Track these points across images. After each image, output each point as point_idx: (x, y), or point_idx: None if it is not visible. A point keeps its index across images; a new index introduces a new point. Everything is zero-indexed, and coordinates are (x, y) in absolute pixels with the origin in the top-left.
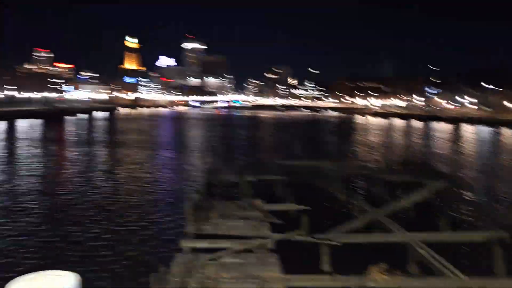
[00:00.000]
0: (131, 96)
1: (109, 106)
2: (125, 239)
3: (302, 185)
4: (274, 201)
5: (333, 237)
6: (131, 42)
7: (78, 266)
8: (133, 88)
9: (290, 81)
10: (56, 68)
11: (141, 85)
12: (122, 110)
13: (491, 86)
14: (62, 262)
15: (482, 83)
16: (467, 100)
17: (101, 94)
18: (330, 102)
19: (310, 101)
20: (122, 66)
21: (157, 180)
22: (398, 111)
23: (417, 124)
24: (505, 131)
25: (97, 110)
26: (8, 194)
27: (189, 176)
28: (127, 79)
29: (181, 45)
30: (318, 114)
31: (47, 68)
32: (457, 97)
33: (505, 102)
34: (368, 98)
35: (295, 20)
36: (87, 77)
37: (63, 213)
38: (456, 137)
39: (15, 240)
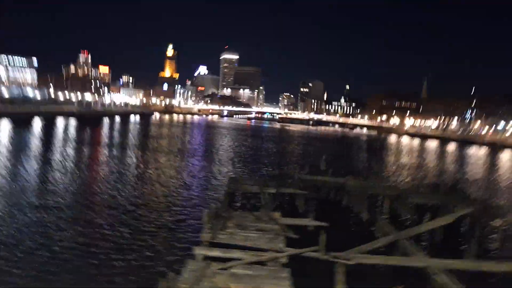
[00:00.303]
0: (167, 102)
1: (146, 111)
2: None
3: (324, 201)
4: (293, 215)
5: (349, 257)
6: (170, 50)
7: None
8: (169, 95)
9: (323, 95)
10: (98, 71)
11: (177, 93)
12: (157, 116)
13: None
14: None
15: None
16: (508, 126)
17: (138, 99)
18: (363, 119)
19: (343, 117)
20: (161, 73)
21: (183, 186)
22: (434, 133)
23: (453, 147)
24: None
25: (134, 114)
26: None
27: (212, 184)
28: (165, 86)
29: (219, 57)
30: (349, 130)
31: (89, 70)
32: (499, 123)
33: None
34: (402, 118)
35: (334, 35)
36: (126, 81)
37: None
38: (491, 163)
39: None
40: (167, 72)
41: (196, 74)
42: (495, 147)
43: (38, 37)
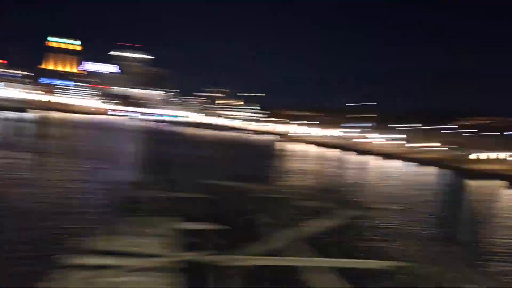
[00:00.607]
0: (51, 98)
1: (23, 106)
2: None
3: (226, 205)
4: (192, 219)
5: (240, 259)
6: (58, 42)
7: None
8: (55, 90)
9: (232, 101)
10: None
11: (63, 88)
12: (36, 113)
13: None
14: None
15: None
16: (398, 136)
17: (22, 93)
18: (269, 126)
19: (250, 123)
20: (42, 66)
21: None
22: (331, 140)
23: (349, 155)
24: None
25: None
26: None
27: (107, 189)
28: (49, 81)
29: (119, 54)
30: (253, 136)
31: None
32: (392, 133)
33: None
34: (303, 126)
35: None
36: (18, 75)
37: None
38: (378, 170)
39: None
40: (60, 67)
41: (91, 69)
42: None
43: None
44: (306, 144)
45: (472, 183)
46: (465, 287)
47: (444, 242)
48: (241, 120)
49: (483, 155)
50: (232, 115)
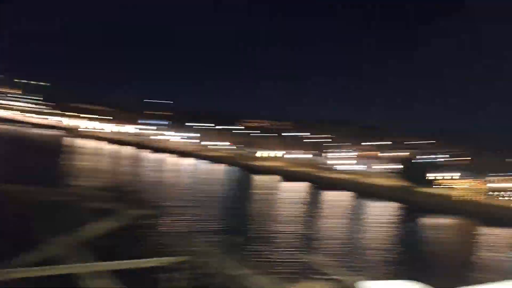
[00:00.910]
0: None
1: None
2: None
3: None
4: None
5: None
6: None
7: None
8: None
9: (8, 89)
10: None
11: None
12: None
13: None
14: None
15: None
16: (193, 135)
17: None
18: (55, 119)
19: (31, 115)
20: None
21: None
22: (126, 137)
23: (144, 153)
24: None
25: None
26: None
27: None
28: None
29: None
30: (35, 130)
31: None
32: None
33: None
34: (95, 121)
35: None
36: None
37: None
38: (172, 168)
39: None
40: None
41: None
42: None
43: None
44: (97, 140)
45: (256, 178)
46: (235, 272)
47: (224, 233)
48: (19, 112)
49: (266, 153)
50: (8, 105)
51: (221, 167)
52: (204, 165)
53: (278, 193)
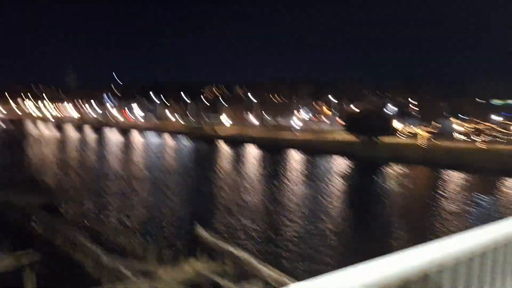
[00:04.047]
0: None
1: None
2: None
3: None
4: None
5: None
6: None
7: None
8: None
9: None
10: None
11: None
12: None
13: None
14: None
15: (153, 96)
16: (139, 112)
17: None
18: None
19: None
20: None
21: None
22: (72, 120)
23: (90, 133)
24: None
25: None
26: None
27: None
28: None
29: None
30: None
31: None
32: (134, 109)
33: (168, 113)
34: (42, 106)
35: None
36: None
37: None
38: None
39: None
40: None
41: None
42: (127, 130)
43: None
44: (36, 125)
45: (207, 148)
46: None
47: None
48: None
49: (227, 121)
50: None
51: (178, 141)
52: (156, 140)
53: (222, 160)
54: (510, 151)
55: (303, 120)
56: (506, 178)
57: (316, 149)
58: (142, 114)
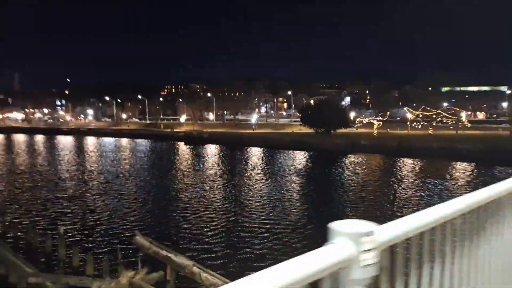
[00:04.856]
0: None
1: None
2: None
3: None
4: None
5: None
6: None
7: None
8: None
9: None
10: None
11: None
12: None
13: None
14: None
15: (107, 98)
16: (93, 114)
17: None
18: None
19: None
20: None
21: None
22: (18, 125)
23: (39, 139)
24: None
25: None
26: None
27: None
28: None
29: None
30: None
31: None
32: (87, 111)
33: (124, 115)
34: None
35: None
36: None
37: None
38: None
39: None
40: None
41: None
42: (80, 134)
43: None
44: None
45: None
46: None
47: None
48: None
49: (183, 119)
50: None
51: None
52: (111, 141)
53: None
54: (458, 136)
55: (262, 115)
56: (457, 162)
57: (275, 143)
58: (97, 116)
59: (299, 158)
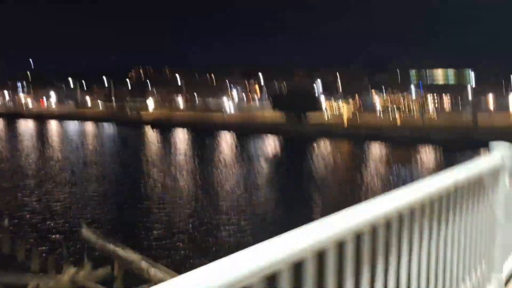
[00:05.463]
0: None
1: None
2: None
3: None
4: None
5: None
6: None
7: None
8: None
9: None
10: None
11: None
12: None
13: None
14: None
15: (71, 82)
16: (58, 99)
17: None
18: None
19: None
20: None
21: None
22: None
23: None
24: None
25: None
26: None
27: None
28: None
29: None
30: None
31: None
32: (51, 96)
33: (89, 99)
34: None
35: None
36: None
37: None
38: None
39: None
40: None
41: None
42: (42, 118)
43: None
44: None
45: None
46: None
47: None
48: None
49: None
50: None
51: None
52: (76, 128)
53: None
54: (424, 121)
55: (234, 101)
56: (424, 147)
57: (247, 129)
58: (61, 101)
59: (270, 143)
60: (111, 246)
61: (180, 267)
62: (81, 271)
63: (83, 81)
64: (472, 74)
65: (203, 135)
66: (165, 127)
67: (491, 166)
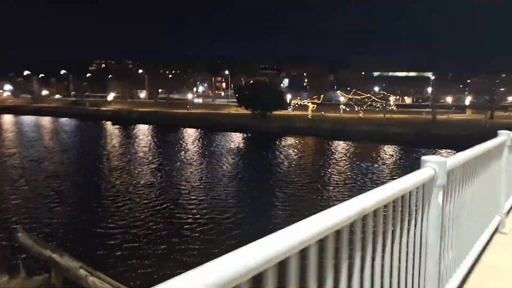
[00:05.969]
0: None
1: None
2: None
3: None
4: None
5: None
6: None
7: None
8: None
9: None
10: None
11: None
12: None
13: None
14: None
15: (26, 71)
16: (8, 88)
17: None
18: None
19: None
20: None
21: None
22: None
23: None
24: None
25: None
26: None
27: None
28: None
29: None
30: None
31: None
32: (5, 88)
33: (47, 92)
34: None
35: None
36: None
37: None
38: None
39: None
40: None
41: None
42: None
43: None
44: None
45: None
46: None
47: None
48: None
49: (111, 96)
50: None
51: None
52: (32, 121)
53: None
54: (385, 119)
55: (198, 95)
56: (385, 144)
57: (210, 124)
58: (16, 92)
59: (235, 140)
60: (47, 252)
61: (124, 274)
62: (14, 279)
63: (40, 73)
64: (431, 76)
65: (166, 130)
66: (126, 121)
67: (419, 182)
